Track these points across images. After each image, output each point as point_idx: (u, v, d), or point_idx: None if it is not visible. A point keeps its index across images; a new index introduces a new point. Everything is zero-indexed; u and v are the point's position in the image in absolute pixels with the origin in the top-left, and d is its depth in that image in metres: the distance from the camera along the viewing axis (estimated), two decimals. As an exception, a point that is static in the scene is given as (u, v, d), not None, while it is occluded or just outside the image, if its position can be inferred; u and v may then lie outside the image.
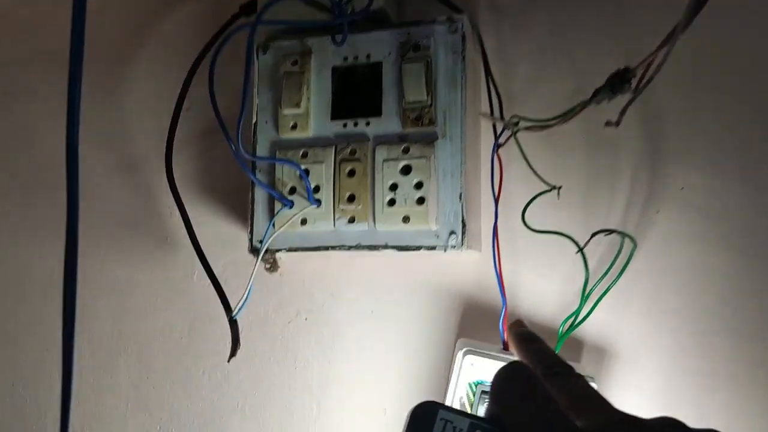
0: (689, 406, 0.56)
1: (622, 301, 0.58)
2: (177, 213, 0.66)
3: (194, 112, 0.71)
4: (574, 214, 0.60)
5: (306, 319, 0.67)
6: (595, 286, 0.56)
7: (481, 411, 0.53)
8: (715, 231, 0.57)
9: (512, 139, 0.57)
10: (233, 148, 0.53)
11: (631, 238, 0.55)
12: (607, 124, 0.41)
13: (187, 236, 0.66)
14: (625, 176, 0.59)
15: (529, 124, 0.50)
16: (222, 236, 0.70)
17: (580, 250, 0.51)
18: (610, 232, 0.53)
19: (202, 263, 0.65)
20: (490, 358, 0.54)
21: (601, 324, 0.59)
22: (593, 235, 0.51)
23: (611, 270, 0.56)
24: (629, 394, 0.58)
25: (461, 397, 0.54)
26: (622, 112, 0.41)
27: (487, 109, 0.57)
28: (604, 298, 0.55)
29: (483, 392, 0.53)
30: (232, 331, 0.58)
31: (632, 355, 0.58)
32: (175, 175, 0.67)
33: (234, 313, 0.59)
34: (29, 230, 0.79)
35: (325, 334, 0.66)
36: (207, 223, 0.70)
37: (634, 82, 0.42)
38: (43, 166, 0.80)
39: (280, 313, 0.68)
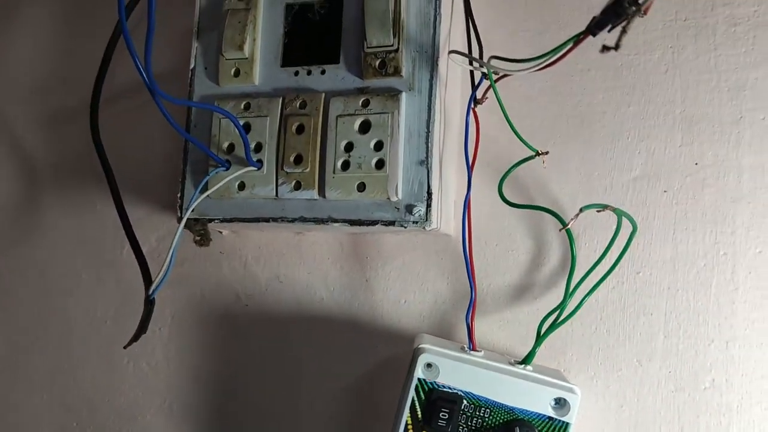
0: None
1: (616, 296, 0.48)
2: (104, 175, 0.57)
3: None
4: (562, 188, 0.49)
5: (246, 305, 0.57)
6: (584, 277, 0.46)
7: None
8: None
9: (490, 97, 0.47)
10: (148, 87, 0.43)
11: (631, 219, 0.44)
12: (604, 48, 0.31)
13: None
14: (628, 144, 0.49)
15: (512, 67, 0.40)
16: (160, 205, 0.61)
17: (565, 227, 0.41)
18: (603, 208, 0.42)
19: (126, 233, 0.55)
20: (449, 359, 0.44)
21: (589, 323, 0.49)
22: (582, 210, 0.41)
23: (605, 258, 0.46)
24: (616, 411, 0.47)
25: (412, 399, 0.44)
26: (624, 31, 0.31)
27: (456, 62, 0.46)
28: (594, 293, 0.45)
29: (439, 398, 0.43)
30: (143, 312, 0.48)
31: (626, 362, 0.48)
32: (104, 133, 0.57)
33: (151, 290, 0.49)
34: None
35: (267, 324, 0.56)
36: (143, 190, 0.61)
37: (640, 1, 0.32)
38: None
39: (217, 297, 0.58)
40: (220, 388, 0.57)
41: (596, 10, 0.34)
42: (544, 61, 0.39)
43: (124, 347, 0.48)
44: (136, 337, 0.48)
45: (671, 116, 0.49)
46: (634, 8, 0.32)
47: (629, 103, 0.50)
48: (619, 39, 0.31)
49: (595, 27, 0.32)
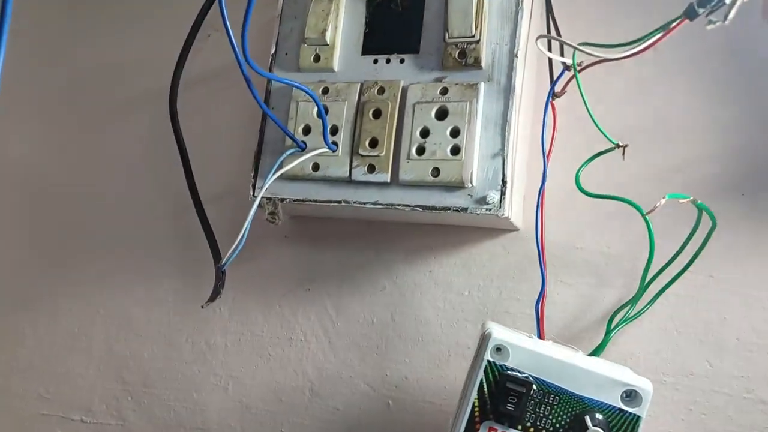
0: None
1: (688, 294, 0.48)
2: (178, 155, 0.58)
3: (216, 40, 0.63)
4: (640, 181, 0.49)
5: (308, 290, 0.58)
6: (659, 272, 0.45)
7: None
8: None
9: (569, 88, 0.47)
10: (237, 59, 0.45)
11: (711, 215, 0.44)
12: (710, 23, 0.32)
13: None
14: (711, 143, 0.49)
15: (597, 52, 0.40)
16: (232, 185, 0.61)
17: (648, 213, 0.41)
18: (687, 199, 0.42)
19: (196, 207, 0.56)
20: (519, 343, 0.44)
21: (659, 320, 0.48)
22: (666, 198, 0.41)
23: (683, 252, 0.45)
24: (685, 413, 0.46)
25: (480, 381, 0.43)
26: (732, 4, 0.31)
27: (541, 50, 0.47)
28: (670, 287, 0.45)
29: (508, 381, 0.42)
30: (216, 279, 0.49)
31: (697, 363, 0.47)
32: (182, 116, 0.59)
33: (223, 262, 0.50)
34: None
35: (328, 308, 0.57)
36: (215, 169, 0.62)
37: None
38: None
39: (279, 280, 0.58)
40: (278, 370, 0.57)
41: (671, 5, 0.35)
42: (635, 47, 0.39)
43: (202, 306, 0.49)
44: (212, 297, 0.49)
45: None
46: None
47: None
48: (728, 10, 0.31)
49: (699, 5, 0.33)
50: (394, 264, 0.56)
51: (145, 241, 0.64)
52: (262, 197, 0.52)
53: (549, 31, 0.51)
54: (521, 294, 0.52)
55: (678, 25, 0.36)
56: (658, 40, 0.38)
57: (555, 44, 0.50)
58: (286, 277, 0.58)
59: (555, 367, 0.43)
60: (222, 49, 0.61)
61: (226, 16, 0.43)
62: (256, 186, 0.54)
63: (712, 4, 0.32)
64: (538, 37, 0.43)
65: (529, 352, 0.43)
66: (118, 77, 0.68)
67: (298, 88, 0.48)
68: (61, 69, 0.71)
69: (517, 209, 0.51)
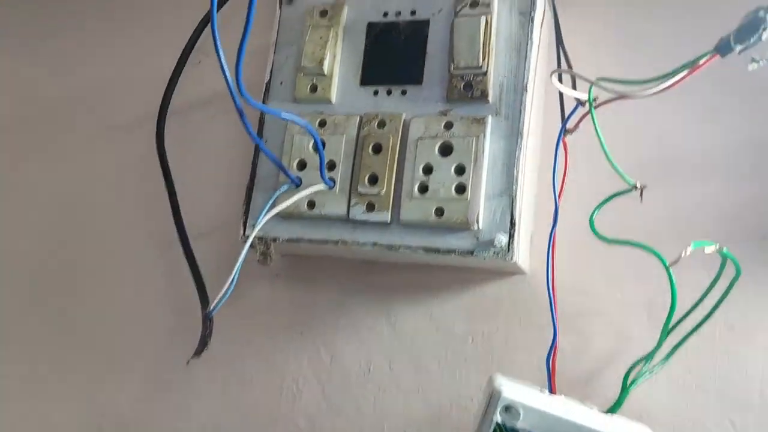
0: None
1: (708, 347, 0.45)
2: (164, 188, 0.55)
3: (206, 66, 0.59)
4: (659, 224, 0.46)
5: (301, 333, 0.54)
6: (678, 322, 0.42)
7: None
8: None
9: (582, 125, 0.44)
10: (230, 89, 0.42)
11: (735, 262, 0.41)
12: (754, 62, 0.29)
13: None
14: (734, 181, 0.46)
15: (618, 88, 0.37)
16: (221, 221, 0.58)
17: (672, 264, 0.38)
18: (713, 246, 0.39)
19: (183, 247, 0.53)
20: (531, 403, 0.40)
21: (677, 375, 0.45)
22: (692, 246, 0.38)
23: (703, 301, 0.42)
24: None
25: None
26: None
27: (556, 85, 0.44)
28: (690, 338, 0.42)
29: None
30: (203, 328, 0.46)
31: (717, 422, 0.44)
32: (170, 144, 0.56)
33: (211, 308, 0.46)
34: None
35: (322, 354, 0.53)
36: (204, 204, 0.58)
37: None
38: None
39: (270, 321, 0.55)
40: (267, 424, 0.53)
41: (688, 41, 0.32)
42: (659, 84, 0.36)
43: (187, 363, 0.45)
44: (198, 351, 0.45)
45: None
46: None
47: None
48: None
49: (735, 42, 0.30)
50: (393, 306, 0.52)
51: (127, 280, 0.60)
52: (253, 237, 0.49)
53: (559, 63, 0.48)
54: (529, 342, 0.49)
55: (708, 61, 0.34)
56: (685, 77, 0.36)
57: (566, 76, 0.48)
58: (278, 319, 0.55)
59: (571, 429, 0.39)
60: (214, 75, 0.57)
61: (219, 45, 0.40)
62: (248, 224, 0.50)
63: (752, 40, 0.29)
64: (553, 72, 0.40)
65: (541, 413, 0.40)
66: (104, 101, 0.65)
67: (294, 122, 0.45)
68: (40, 91, 0.68)
69: (524, 252, 0.48)
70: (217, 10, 0.51)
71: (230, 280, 0.46)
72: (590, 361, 0.47)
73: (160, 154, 0.55)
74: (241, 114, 0.42)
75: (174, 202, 0.55)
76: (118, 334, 0.59)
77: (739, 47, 0.30)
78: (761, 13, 0.30)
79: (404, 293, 0.52)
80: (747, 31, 0.30)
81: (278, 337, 0.54)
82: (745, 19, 0.31)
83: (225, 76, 0.41)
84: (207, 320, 0.46)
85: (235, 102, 0.42)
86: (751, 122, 0.47)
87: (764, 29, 0.29)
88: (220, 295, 0.46)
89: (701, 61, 0.34)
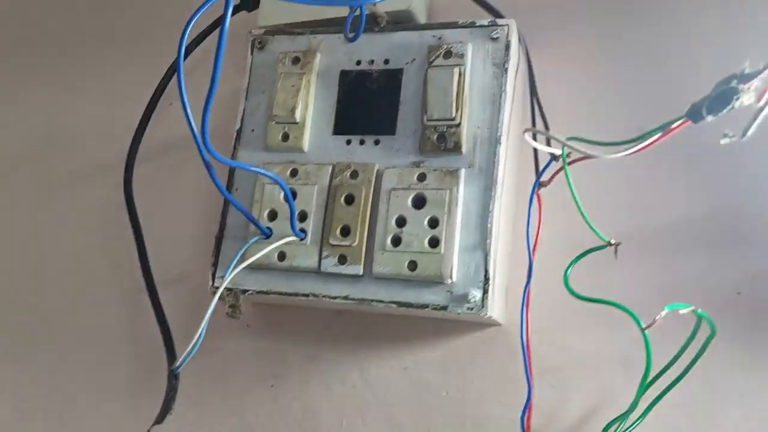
0: None
1: (681, 406, 0.44)
2: (131, 235, 0.53)
3: (178, 109, 0.58)
4: (635, 281, 0.46)
5: (272, 386, 0.53)
6: (652, 382, 0.42)
7: None
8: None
9: (557, 179, 0.44)
10: (197, 142, 0.41)
11: (710, 322, 0.41)
12: (726, 137, 0.29)
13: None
14: (706, 238, 0.46)
15: (589, 150, 0.37)
16: (189, 270, 0.57)
17: (647, 327, 0.38)
18: (688, 309, 0.39)
19: (150, 298, 0.52)
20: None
21: (656, 433, 0.44)
22: (666, 309, 0.38)
23: (678, 361, 0.41)
24: None
25: None
26: (755, 118, 0.28)
27: (529, 142, 0.44)
28: (666, 396, 0.41)
29: None
30: (167, 388, 0.44)
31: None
32: (138, 190, 0.54)
33: (176, 364, 0.45)
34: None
35: (293, 408, 0.52)
36: (171, 253, 0.57)
37: (752, 87, 0.29)
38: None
39: (240, 374, 0.53)
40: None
41: (672, 102, 0.32)
42: (631, 147, 0.36)
43: (148, 430, 0.43)
44: (160, 418, 0.43)
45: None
46: (744, 94, 0.30)
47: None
48: (749, 126, 0.28)
49: (707, 112, 0.30)
50: (366, 359, 0.51)
51: (89, 334, 0.58)
52: (222, 289, 0.48)
53: (533, 115, 0.48)
54: (504, 396, 0.48)
55: (679, 126, 0.33)
56: (656, 140, 0.35)
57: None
58: (247, 372, 0.53)
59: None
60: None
61: (184, 92, 0.39)
62: (216, 275, 0.49)
63: (723, 111, 0.29)
64: (526, 130, 0.39)
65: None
66: (69, 146, 0.64)
67: (262, 174, 0.44)
68: (1, 137, 0.66)
69: (499, 304, 0.47)
70: (185, 58, 0.50)
71: (198, 334, 0.45)
72: (567, 419, 0.46)
73: (127, 201, 0.54)
74: (208, 167, 0.41)
75: (142, 250, 0.53)
76: (75, 394, 0.57)
77: (710, 117, 0.30)
78: (734, 83, 0.29)
79: (377, 344, 0.51)
80: (719, 101, 0.30)
81: (247, 391, 0.53)
82: (718, 88, 0.30)
83: (192, 130, 0.40)
84: (172, 378, 0.44)
85: (202, 157, 0.41)
86: (729, 184, 0.47)
87: (737, 100, 0.29)
88: (187, 350, 0.44)
89: (673, 126, 0.34)
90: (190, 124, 0.40)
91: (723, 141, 0.29)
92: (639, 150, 0.36)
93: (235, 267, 0.46)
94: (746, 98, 0.30)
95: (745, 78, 0.30)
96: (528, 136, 0.40)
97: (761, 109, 0.29)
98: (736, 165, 0.47)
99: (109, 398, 0.56)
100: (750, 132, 0.29)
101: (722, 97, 0.30)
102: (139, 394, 0.55)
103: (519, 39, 0.49)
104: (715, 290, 0.45)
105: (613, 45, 0.51)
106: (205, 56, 0.49)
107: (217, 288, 0.47)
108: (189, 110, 0.39)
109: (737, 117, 0.31)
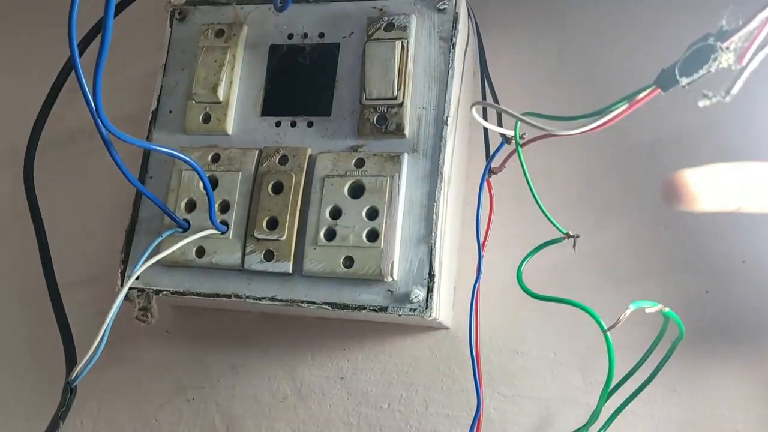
0: None
1: (647, 414, 0.40)
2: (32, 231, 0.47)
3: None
4: (596, 278, 0.42)
5: (192, 399, 0.47)
6: (615, 388, 0.37)
7: None
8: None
9: (509, 164, 0.40)
10: (92, 115, 0.35)
11: (679, 323, 0.37)
12: (705, 98, 0.24)
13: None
14: (673, 233, 0.42)
15: (545, 126, 0.33)
16: (100, 270, 0.50)
17: (609, 329, 0.33)
18: (654, 307, 0.35)
19: (52, 301, 0.45)
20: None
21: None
22: (631, 308, 0.34)
23: (643, 365, 0.37)
24: None
25: None
26: (739, 74, 0.24)
27: (478, 120, 0.39)
28: (630, 404, 0.37)
29: None
30: (59, 403, 0.38)
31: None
32: (41, 182, 0.48)
33: (72, 377, 0.39)
34: None
35: (216, 423, 0.46)
36: (78, 251, 0.51)
37: (732, 46, 0.25)
38: None
39: (157, 387, 0.47)
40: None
41: (630, 70, 0.28)
42: (594, 121, 0.31)
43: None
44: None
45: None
46: (723, 53, 0.25)
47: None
48: (731, 86, 0.24)
49: (681, 74, 0.25)
50: (298, 368, 0.46)
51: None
52: (131, 288, 0.42)
53: (484, 94, 0.44)
54: (452, 408, 0.43)
55: (648, 96, 0.29)
56: (622, 113, 0.31)
57: (492, 111, 0.43)
58: (165, 383, 0.47)
59: None
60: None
61: (78, 64, 0.33)
62: (126, 274, 0.43)
63: (700, 72, 0.25)
64: (474, 104, 0.35)
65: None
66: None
67: (176, 157, 0.38)
68: None
69: (446, 306, 0.42)
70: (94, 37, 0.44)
71: (97, 341, 0.39)
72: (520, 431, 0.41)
73: (27, 193, 0.47)
74: (108, 146, 0.35)
75: (44, 247, 0.47)
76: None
77: (685, 80, 0.26)
78: (711, 41, 0.25)
79: (311, 351, 0.46)
80: (695, 62, 0.26)
81: (165, 405, 0.47)
82: (692, 47, 0.26)
83: (87, 101, 0.34)
84: (67, 392, 0.38)
85: (100, 133, 0.35)
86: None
87: (714, 60, 0.25)
88: (84, 360, 0.38)
89: (640, 96, 0.29)
90: (85, 95, 0.34)
91: (702, 103, 0.25)
92: (602, 125, 0.32)
93: (144, 263, 0.40)
94: (725, 59, 0.25)
95: (724, 36, 0.26)
96: (476, 112, 0.35)
97: (743, 69, 0.24)
98: (702, 156, 0.43)
99: (3, 414, 0.49)
100: (734, 91, 0.24)
101: (698, 55, 0.26)
102: (38, 411, 0.48)
103: (468, 12, 0.44)
104: (683, 287, 0.41)
105: (575, 17, 0.47)
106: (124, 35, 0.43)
107: (123, 287, 0.40)
108: (84, 80, 0.34)
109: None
